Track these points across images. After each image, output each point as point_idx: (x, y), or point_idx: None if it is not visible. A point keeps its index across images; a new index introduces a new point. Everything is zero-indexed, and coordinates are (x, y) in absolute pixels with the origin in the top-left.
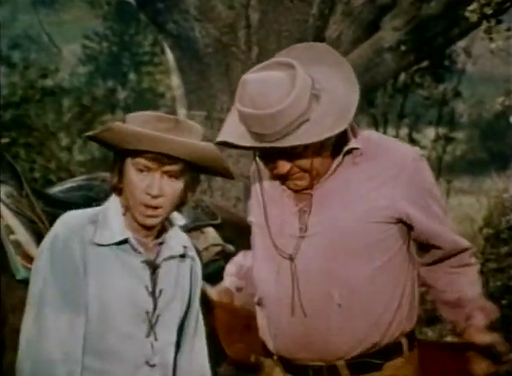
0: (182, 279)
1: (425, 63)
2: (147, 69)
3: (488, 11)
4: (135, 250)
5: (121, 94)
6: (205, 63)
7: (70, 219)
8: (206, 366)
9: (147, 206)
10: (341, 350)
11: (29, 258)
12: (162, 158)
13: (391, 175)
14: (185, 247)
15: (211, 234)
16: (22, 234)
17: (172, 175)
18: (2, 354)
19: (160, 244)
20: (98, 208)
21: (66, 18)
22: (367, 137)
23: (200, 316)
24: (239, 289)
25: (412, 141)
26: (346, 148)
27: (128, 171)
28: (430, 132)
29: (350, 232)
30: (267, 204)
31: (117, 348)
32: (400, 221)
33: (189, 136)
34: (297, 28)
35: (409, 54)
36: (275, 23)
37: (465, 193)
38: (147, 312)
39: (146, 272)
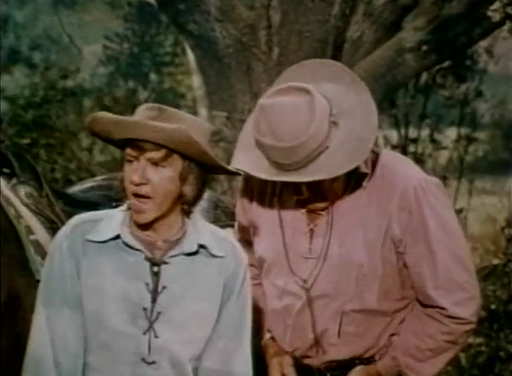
0: (205, 278)
1: (447, 63)
2: (168, 69)
3: (511, 10)
4: (130, 247)
5: (142, 94)
6: (226, 64)
7: (71, 220)
8: (239, 372)
9: (135, 196)
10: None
11: None
12: (141, 144)
13: (392, 201)
14: (202, 246)
15: (230, 235)
16: (42, 234)
17: (156, 163)
18: (22, 354)
19: (175, 242)
20: (111, 210)
21: (86, 19)
22: (377, 159)
23: (246, 320)
24: None
25: (434, 141)
26: (358, 171)
27: (124, 166)
28: (452, 133)
29: (354, 257)
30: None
31: (110, 345)
32: (394, 250)
33: (176, 123)
34: (318, 29)
35: (430, 54)
36: (296, 24)
37: (487, 193)
38: (144, 309)
39: (146, 269)
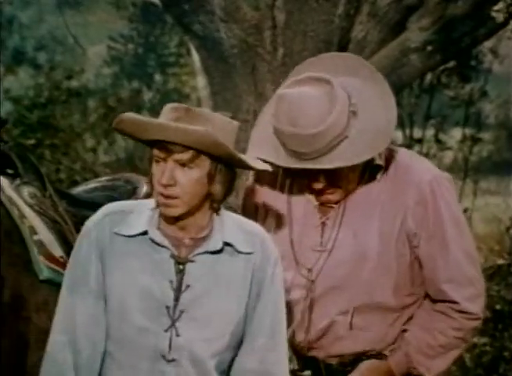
0: (230, 275)
1: (452, 64)
2: (173, 70)
3: None
4: (157, 244)
5: (147, 95)
6: (231, 64)
7: (102, 208)
8: (276, 370)
9: (162, 195)
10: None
11: (52, 259)
12: (169, 146)
13: (407, 195)
14: (228, 244)
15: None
16: (45, 234)
17: (184, 164)
18: (26, 354)
19: (202, 239)
20: (144, 201)
21: (91, 19)
22: (391, 154)
23: (280, 317)
24: None
25: (439, 142)
26: (373, 163)
27: (152, 166)
28: (457, 133)
29: (368, 249)
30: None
31: (132, 340)
32: (410, 244)
33: (203, 125)
34: (322, 29)
35: (435, 54)
36: (301, 24)
37: (492, 193)
38: (167, 307)
39: (170, 267)
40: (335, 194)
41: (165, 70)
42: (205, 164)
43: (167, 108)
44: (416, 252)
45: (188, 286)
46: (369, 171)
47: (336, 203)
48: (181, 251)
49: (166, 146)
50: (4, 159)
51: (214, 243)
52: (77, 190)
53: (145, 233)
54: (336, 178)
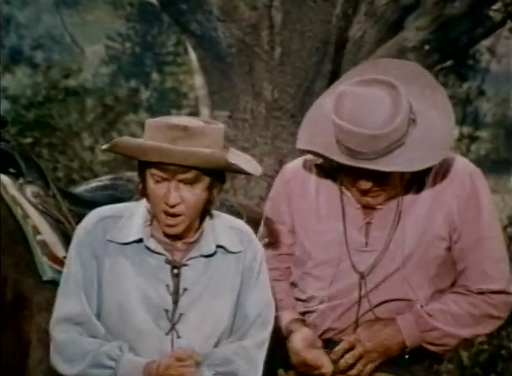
0: (222, 275)
1: (449, 63)
2: (170, 69)
3: None
4: (152, 251)
5: (144, 94)
6: (228, 64)
7: (92, 213)
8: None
9: (167, 214)
10: None
11: (55, 259)
12: (174, 168)
13: (449, 188)
14: (220, 246)
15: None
16: (48, 234)
17: (188, 183)
18: (28, 353)
19: (194, 242)
20: (130, 204)
21: (88, 19)
22: None
23: (265, 313)
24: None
25: None
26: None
27: (148, 180)
28: (454, 132)
29: (411, 249)
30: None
31: (134, 344)
32: (449, 236)
33: (201, 141)
34: (320, 28)
35: (432, 53)
36: (299, 24)
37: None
38: (166, 311)
39: (166, 272)
40: (378, 197)
41: (163, 69)
42: (205, 178)
43: (163, 125)
44: (452, 247)
45: (185, 289)
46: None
47: (376, 205)
48: (174, 255)
49: (168, 168)
50: (6, 158)
51: (208, 246)
52: (79, 190)
53: (139, 240)
54: (383, 182)
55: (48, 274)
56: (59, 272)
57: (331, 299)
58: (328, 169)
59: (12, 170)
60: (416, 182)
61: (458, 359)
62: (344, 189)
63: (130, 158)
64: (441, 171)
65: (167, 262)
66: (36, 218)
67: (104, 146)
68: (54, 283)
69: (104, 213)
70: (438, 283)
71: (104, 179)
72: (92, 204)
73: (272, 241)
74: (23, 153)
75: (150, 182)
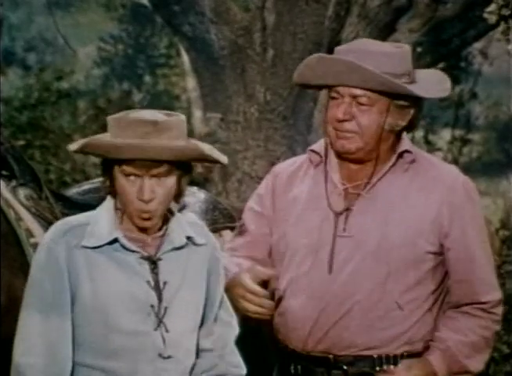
0: (193, 267)
1: (441, 65)
2: (162, 71)
3: (506, 12)
4: (126, 249)
5: (137, 96)
6: (220, 66)
7: (58, 225)
8: (227, 350)
9: (140, 210)
10: (352, 338)
11: None
12: (147, 163)
13: (440, 193)
14: (189, 237)
15: (229, 237)
16: (42, 237)
17: (160, 177)
18: None
19: (162, 236)
20: (92, 212)
21: (81, 20)
22: (417, 150)
23: (226, 304)
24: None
25: (428, 143)
26: (399, 150)
27: (117, 178)
28: (447, 134)
29: (390, 241)
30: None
31: (124, 346)
32: (439, 242)
33: (170, 134)
34: (312, 30)
35: (425, 56)
36: (291, 26)
37: (481, 194)
38: (152, 306)
39: (145, 268)
40: (352, 141)
41: (155, 72)
42: (176, 172)
43: (131, 122)
44: (445, 255)
45: (165, 283)
46: (398, 159)
47: (352, 153)
48: (147, 250)
49: (141, 163)
50: None
51: (179, 239)
52: (71, 192)
53: (113, 241)
54: (361, 116)
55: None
56: None
57: (310, 287)
58: (317, 163)
59: (4, 172)
60: (396, 166)
61: None
62: (328, 171)
63: (98, 157)
64: (429, 170)
65: (144, 258)
66: (29, 221)
67: (73, 147)
68: None
69: (70, 223)
70: (417, 289)
71: (96, 182)
72: (85, 207)
73: (246, 229)
74: (16, 156)
75: (121, 180)
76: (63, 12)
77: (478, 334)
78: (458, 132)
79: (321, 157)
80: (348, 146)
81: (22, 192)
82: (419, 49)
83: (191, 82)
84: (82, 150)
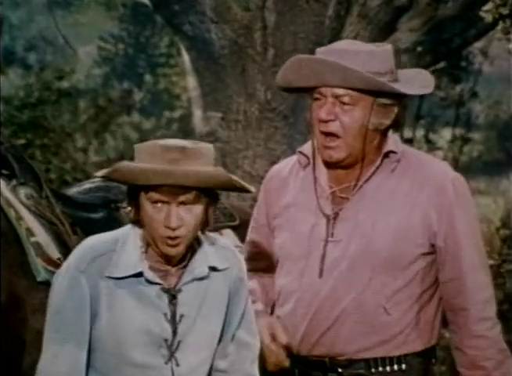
0: (213, 294)
1: (442, 64)
2: (163, 70)
3: (504, 11)
4: (149, 281)
5: (137, 95)
6: (221, 65)
7: (85, 250)
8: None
9: (169, 238)
10: (346, 341)
11: (49, 260)
12: (174, 190)
13: (428, 193)
14: (211, 267)
15: (230, 236)
16: (42, 236)
17: (188, 204)
18: (22, 355)
19: (185, 266)
20: (118, 234)
21: (81, 20)
22: (406, 149)
23: (248, 324)
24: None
25: (429, 142)
26: (384, 150)
27: (144, 205)
28: (447, 133)
29: (376, 246)
30: (297, 206)
31: None
32: (428, 242)
33: (198, 161)
34: (313, 30)
35: (425, 55)
36: (291, 25)
37: (482, 193)
38: (166, 340)
39: (163, 300)
40: (338, 151)
41: (155, 71)
42: (203, 199)
43: (158, 148)
44: (437, 253)
45: (182, 316)
46: (384, 160)
47: (338, 162)
48: (169, 281)
49: (169, 190)
50: (0, 160)
51: (200, 269)
52: (72, 191)
53: (138, 273)
54: (344, 117)
55: (42, 275)
56: (53, 274)
57: (301, 292)
58: (305, 165)
59: (5, 172)
60: (382, 168)
61: (450, 360)
62: (316, 174)
63: (125, 184)
64: (418, 170)
65: (164, 290)
66: (29, 220)
67: (101, 173)
68: (48, 285)
69: (97, 251)
70: (407, 291)
71: (97, 181)
72: (86, 206)
73: (249, 238)
74: (17, 155)
75: (147, 207)
76: (63, 12)
77: (499, 346)
78: (458, 131)
79: (308, 159)
80: (336, 156)
81: (22, 191)
82: (419, 49)
83: (191, 81)
84: (109, 177)
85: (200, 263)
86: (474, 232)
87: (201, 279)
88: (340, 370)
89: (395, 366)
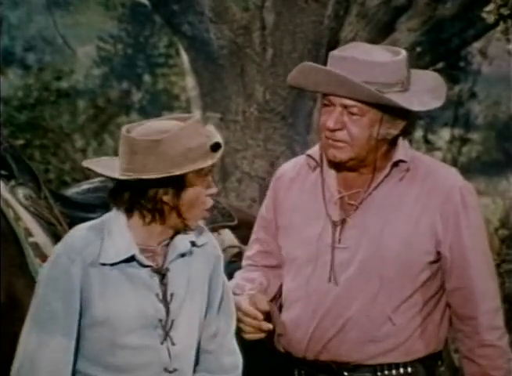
0: (196, 272)
1: (441, 65)
2: (162, 71)
3: (505, 12)
4: (140, 264)
5: (136, 96)
6: (220, 65)
7: (74, 238)
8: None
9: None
10: (351, 346)
11: None
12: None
13: (435, 201)
14: (192, 242)
15: (228, 236)
16: (40, 236)
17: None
18: None
19: (168, 244)
20: (103, 221)
21: (80, 20)
22: (416, 156)
23: (229, 302)
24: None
25: (428, 142)
26: (394, 159)
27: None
28: (446, 134)
29: (384, 254)
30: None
31: (132, 362)
32: (435, 250)
33: None
34: (312, 30)
35: (424, 55)
36: (290, 25)
37: (480, 194)
38: (160, 320)
39: (155, 280)
40: (343, 151)
41: (154, 71)
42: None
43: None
44: (441, 261)
45: (172, 294)
46: (392, 169)
47: (345, 163)
48: (156, 260)
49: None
50: None
51: (183, 245)
52: (70, 192)
53: (129, 258)
54: (352, 126)
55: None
56: None
57: (307, 297)
58: (314, 168)
59: (3, 172)
60: (390, 177)
61: (449, 360)
62: (325, 178)
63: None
64: (426, 177)
65: (154, 271)
66: (28, 221)
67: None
68: None
69: (86, 239)
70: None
71: (95, 181)
72: (84, 207)
73: (257, 236)
74: (15, 155)
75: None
76: (62, 12)
77: (501, 366)
78: (457, 132)
79: (317, 162)
80: (340, 156)
81: (21, 191)
82: (418, 49)
83: (190, 82)
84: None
85: (181, 239)
86: (480, 240)
87: (184, 255)
88: (346, 374)
89: (401, 370)
